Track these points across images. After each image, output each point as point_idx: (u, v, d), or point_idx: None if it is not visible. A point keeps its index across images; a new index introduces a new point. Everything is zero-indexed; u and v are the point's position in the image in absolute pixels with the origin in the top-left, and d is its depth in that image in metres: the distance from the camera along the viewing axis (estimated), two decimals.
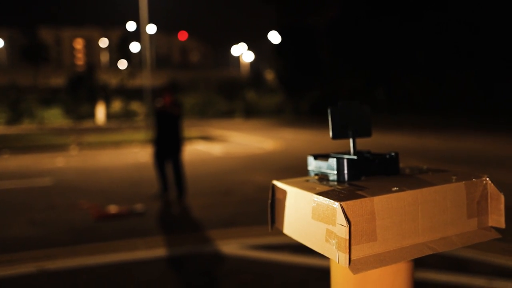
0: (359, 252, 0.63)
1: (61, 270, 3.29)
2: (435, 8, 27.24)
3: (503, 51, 23.92)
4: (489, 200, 0.78)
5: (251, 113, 46.45)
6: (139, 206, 5.24)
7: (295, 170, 8.06)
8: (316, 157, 0.85)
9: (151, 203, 5.54)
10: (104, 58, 77.09)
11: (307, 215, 0.70)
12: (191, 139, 15.58)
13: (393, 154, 0.84)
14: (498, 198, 0.76)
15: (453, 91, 27.11)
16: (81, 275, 3.19)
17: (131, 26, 47.75)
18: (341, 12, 35.18)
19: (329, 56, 37.63)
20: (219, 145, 14.18)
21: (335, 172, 0.78)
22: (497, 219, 0.77)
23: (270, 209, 0.82)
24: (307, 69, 38.98)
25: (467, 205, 0.75)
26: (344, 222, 0.60)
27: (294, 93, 41.89)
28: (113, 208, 5.15)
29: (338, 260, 0.62)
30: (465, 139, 13.75)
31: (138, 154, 11.81)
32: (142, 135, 17.85)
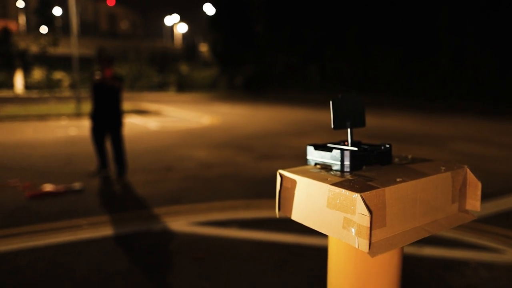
0: (373, 237, 0.70)
1: None
2: None
3: (425, 33, 25.55)
4: (467, 187, 0.89)
5: (184, 86, 45.49)
6: (77, 184, 5.02)
7: (235, 146, 8.14)
8: (317, 147, 0.91)
9: (89, 180, 5.33)
10: (21, 21, 70.26)
11: (321, 204, 0.76)
12: (125, 113, 14.99)
13: (387, 145, 0.92)
14: (476, 185, 0.88)
15: (380, 71, 28.65)
16: (22, 258, 3.03)
17: None
18: None
19: (265, 30, 37.70)
20: (155, 119, 13.83)
21: (339, 162, 0.85)
22: (473, 203, 0.89)
23: (278, 197, 0.87)
24: (242, 43, 38.77)
25: (452, 192, 0.85)
26: (366, 212, 0.67)
27: (228, 67, 41.59)
28: (48, 186, 4.89)
29: (357, 245, 0.69)
30: (388, 116, 14.71)
31: (69, 128, 11.17)
32: (71, 107, 16.83)
